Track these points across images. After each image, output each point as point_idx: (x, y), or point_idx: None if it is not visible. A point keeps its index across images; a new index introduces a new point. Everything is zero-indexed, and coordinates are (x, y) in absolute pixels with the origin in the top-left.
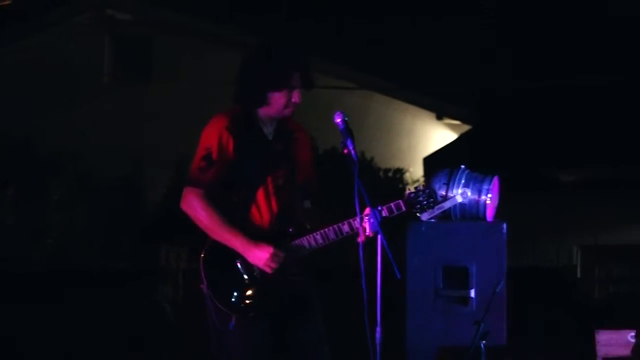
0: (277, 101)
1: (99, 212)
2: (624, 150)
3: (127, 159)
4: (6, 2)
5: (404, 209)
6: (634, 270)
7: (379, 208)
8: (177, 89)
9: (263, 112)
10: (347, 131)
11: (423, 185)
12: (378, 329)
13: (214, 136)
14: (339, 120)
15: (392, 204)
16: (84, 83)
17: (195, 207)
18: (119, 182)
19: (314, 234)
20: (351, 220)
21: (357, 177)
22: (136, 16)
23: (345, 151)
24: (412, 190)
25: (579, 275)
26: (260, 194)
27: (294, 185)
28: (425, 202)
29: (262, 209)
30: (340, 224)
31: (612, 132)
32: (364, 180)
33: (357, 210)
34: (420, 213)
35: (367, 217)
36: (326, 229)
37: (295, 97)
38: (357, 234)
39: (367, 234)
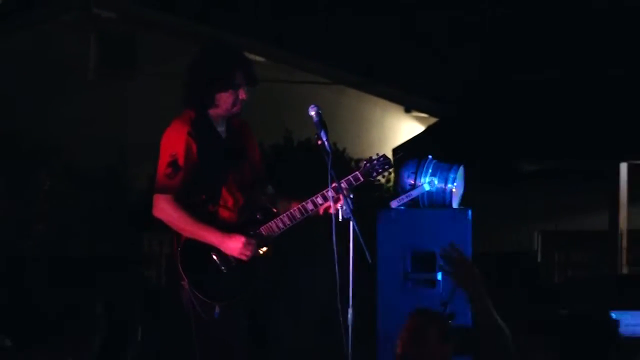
0: (225, 101)
1: (85, 201)
2: (583, 144)
3: (112, 150)
4: None
5: (362, 179)
6: (591, 254)
7: (340, 182)
8: (159, 83)
9: (213, 112)
10: (321, 123)
11: (378, 153)
12: (350, 310)
13: (178, 143)
14: (313, 113)
15: (350, 176)
16: (70, 78)
17: (168, 212)
18: (104, 172)
19: (281, 217)
20: (314, 198)
21: (330, 167)
22: (120, 14)
23: (319, 142)
24: (367, 160)
25: (539, 260)
26: (225, 190)
27: (253, 176)
28: (380, 169)
29: (229, 202)
30: (304, 203)
31: (571, 127)
32: (336, 170)
33: (330, 197)
34: (377, 181)
35: (337, 199)
36: (292, 210)
37: (242, 94)
38: (322, 211)
39: (335, 209)
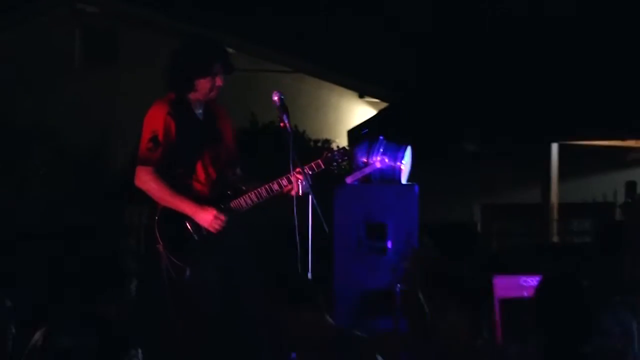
0: (204, 86)
1: (73, 177)
2: (518, 127)
3: (97, 132)
4: None
5: (322, 166)
6: (525, 224)
7: (304, 167)
8: (138, 73)
9: (193, 96)
10: (283, 108)
11: (338, 146)
12: (309, 274)
13: (158, 121)
14: (276, 98)
15: (312, 163)
16: (58, 68)
17: (148, 182)
18: (90, 151)
19: (249, 194)
20: (279, 180)
21: (291, 147)
22: (103, 9)
23: (282, 125)
24: (329, 150)
25: (479, 230)
26: (199, 166)
27: (226, 155)
28: (339, 159)
29: (202, 177)
30: (270, 184)
31: (507, 112)
32: (297, 149)
33: (291, 172)
34: (337, 170)
35: (298, 178)
36: (259, 189)
37: (218, 81)
38: (286, 192)
39: (297, 190)
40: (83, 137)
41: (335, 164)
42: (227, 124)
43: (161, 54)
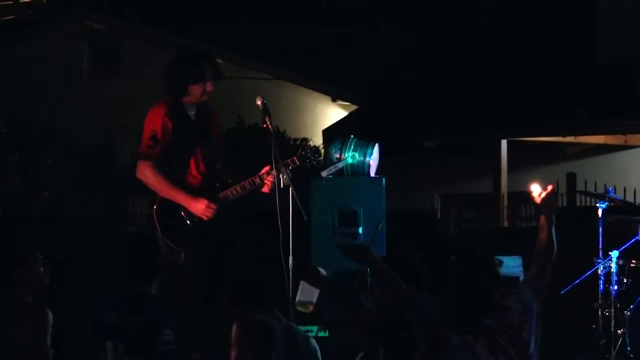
0: (196, 91)
1: (81, 173)
2: (471, 125)
3: (102, 133)
4: (9, 17)
5: (297, 163)
6: (479, 211)
7: (283, 162)
8: (138, 81)
9: (187, 99)
10: (266, 110)
11: (310, 146)
12: (290, 257)
13: (157, 121)
14: (259, 102)
15: (289, 160)
16: (69, 77)
17: (148, 175)
18: (96, 150)
19: (236, 187)
20: (260, 174)
21: (273, 145)
22: (108, 26)
23: (265, 125)
24: (302, 149)
25: (438, 217)
26: (192, 161)
27: (215, 152)
28: (312, 157)
29: (195, 171)
30: (253, 177)
31: (462, 111)
32: (278, 146)
33: (274, 167)
34: (309, 165)
35: (279, 173)
36: (244, 182)
37: (209, 87)
38: (265, 185)
39: (277, 185)
40: (90, 139)
41: (307, 161)
42: (216, 123)
43: (159, 64)
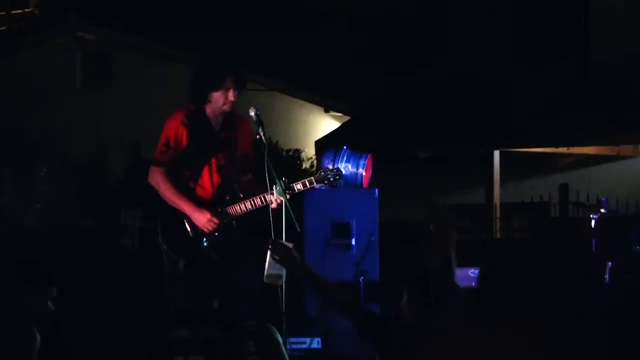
0: (217, 99)
1: (74, 184)
2: (464, 136)
3: (93, 143)
4: (1, 28)
5: (315, 184)
6: (472, 222)
7: (294, 184)
8: (129, 90)
9: (209, 108)
10: (259, 121)
11: (332, 166)
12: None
13: (171, 128)
14: (253, 113)
15: (305, 180)
16: (61, 87)
17: (158, 181)
18: (88, 161)
19: (245, 202)
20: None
21: (266, 155)
22: (100, 37)
23: (258, 136)
24: (323, 170)
25: (431, 227)
26: (205, 171)
27: (234, 164)
28: (332, 178)
29: (206, 182)
30: (264, 194)
31: (455, 123)
32: (271, 158)
33: (267, 179)
34: (328, 186)
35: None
36: (254, 198)
37: (231, 96)
38: (274, 202)
39: (278, 202)
40: (81, 147)
41: (326, 182)
42: (246, 135)
43: (150, 74)
